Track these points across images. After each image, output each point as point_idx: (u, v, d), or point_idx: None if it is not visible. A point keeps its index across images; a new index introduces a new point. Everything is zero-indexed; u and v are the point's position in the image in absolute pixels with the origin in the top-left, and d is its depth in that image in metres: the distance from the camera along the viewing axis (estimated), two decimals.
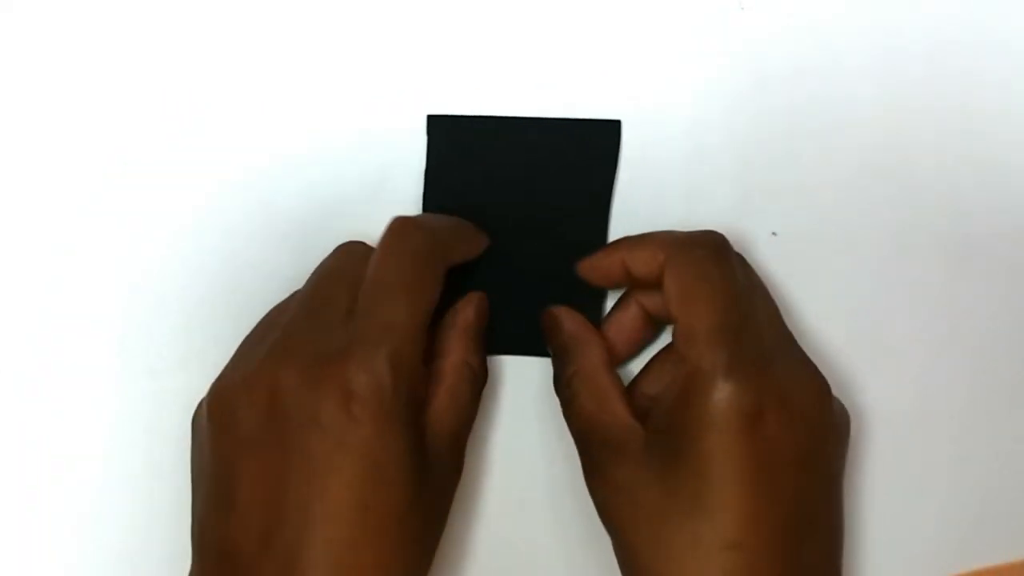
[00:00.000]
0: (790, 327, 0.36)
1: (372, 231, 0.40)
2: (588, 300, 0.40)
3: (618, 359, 0.39)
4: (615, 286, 0.39)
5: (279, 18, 0.41)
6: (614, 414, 0.35)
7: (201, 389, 0.39)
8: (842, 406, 0.36)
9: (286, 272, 0.40)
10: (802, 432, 0.32)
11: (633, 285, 0.38)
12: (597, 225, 0.40)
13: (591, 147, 0.40)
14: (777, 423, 0.32)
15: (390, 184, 0.40)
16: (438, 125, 0.40)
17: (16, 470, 0.39)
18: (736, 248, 0.36)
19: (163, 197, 0.41)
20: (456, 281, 0.38)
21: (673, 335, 0.34)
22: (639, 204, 0.40)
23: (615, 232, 0.40)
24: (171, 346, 0.40)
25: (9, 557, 0.39)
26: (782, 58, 0.41)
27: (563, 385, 0.37)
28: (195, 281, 0.40)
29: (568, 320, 0.38)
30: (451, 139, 0.40)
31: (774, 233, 0.40)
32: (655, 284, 0.35)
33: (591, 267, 0.38)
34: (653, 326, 0.39)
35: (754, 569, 0.31)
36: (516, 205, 0.40)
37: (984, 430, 0.40)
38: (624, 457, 0.34)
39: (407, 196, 0.40)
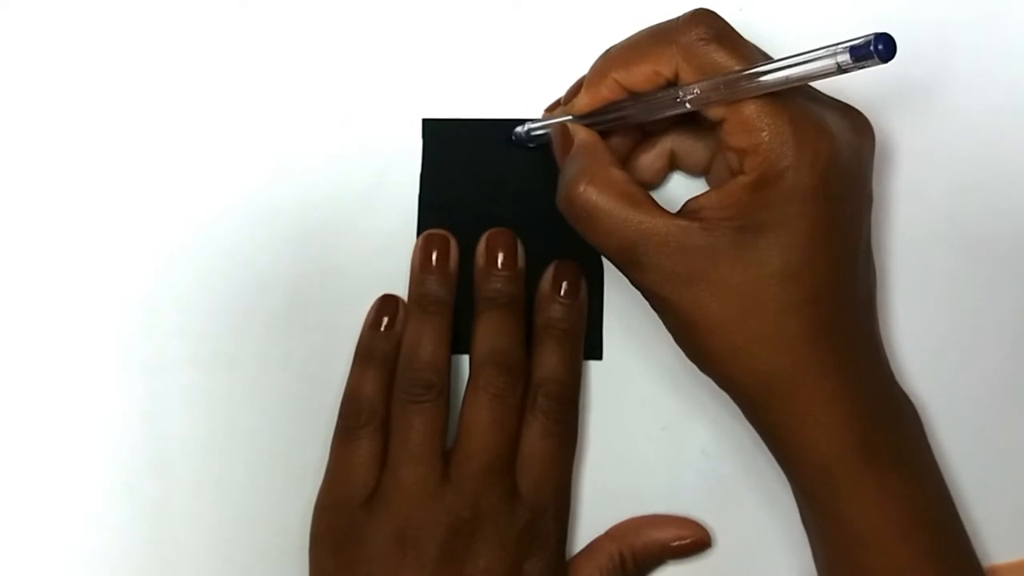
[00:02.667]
0: None
1: (369, 232, 0.40)
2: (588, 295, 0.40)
3: None
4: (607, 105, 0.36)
5: (277, 26, 0.42)
6: (657, 212, 0.33)
7: (200, 388, 0.40)
8: (864, 117, 0.35)
9: (285, 272, 0.40)
10: (859, 168, 0.34)
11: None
12: None
13: None
14: (840, 173, 0.33)
15: (387, 186, 0.41)
16: (433, 128, 0.40)
17: (16, 470, 0.40)
18: None
19: (163, 198, 0.41)
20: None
21: (724, 134, 0.33)
22: None
23: None
24: (171, 345, 0.40)
25: (9, 557, 0.40)
26: None
27: (576, 199, 0.34)
28: (195, 281, 0.41)
29: (582, 131, 0.36)
30: (446, 142, 0.40)
31: None
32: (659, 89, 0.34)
33: (580, 102, 0.36)
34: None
35: (826, 314, 0.33)
36: (510, 206, 0.40)
37: (984, 430, 0.40)
38: (690, 251, 0.33)
39: (404, 198, 0.41)
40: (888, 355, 0.36)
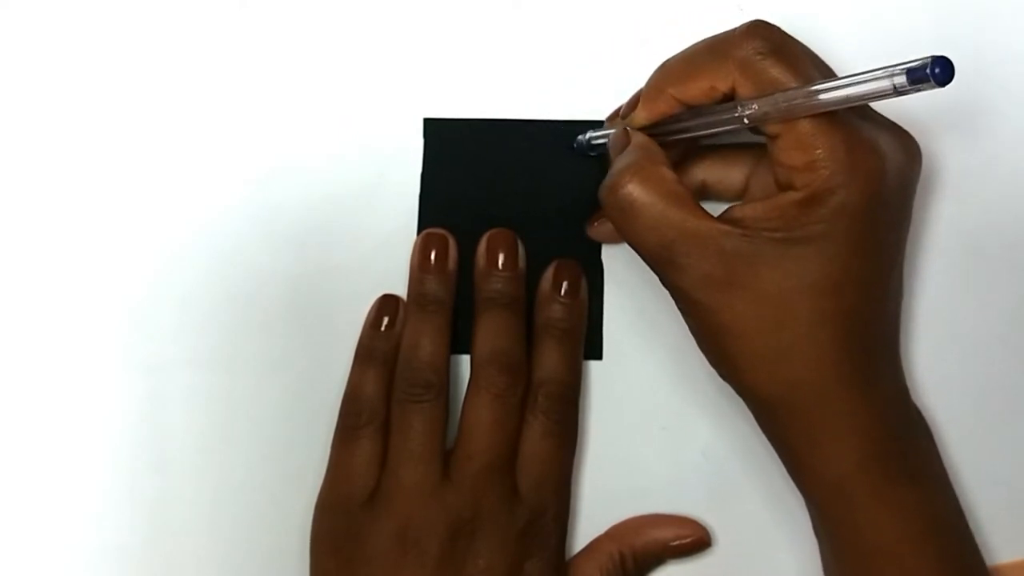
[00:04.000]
0: None
1: (369, 232, 0.40)
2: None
3: None
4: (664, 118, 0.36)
5: (277, 26, 0.42)
6: (699, 213, 0.33)
7: (200, 388, 0.40)
8: (913, 139, 0.35)
9: (285, 272, 0.40)
10: (905, 190, 0.35)
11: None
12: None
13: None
14: (888, 195, 0.33)
15: (388, 186, 0.41)
16: (434, 128, 0.40)
17: (16, 470, 0.40)
18: None
19: (162, 198, 0.41)
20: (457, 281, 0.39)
21: (778, 150, 0.33)
22: None
23: None
24: (171, 345, 0.40)
25: (9, 557, 0.39)
26: None
27: (619, 191, 0.34)
28: (195, 281, 0.41)
29: (639, 135, 0.36)
30: (447, 141, 0.40)
31: None
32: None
33: (638, 116, 0.36)
34: None
35: (856, 328, 0.33)
36: (511, 206, 0.40)
37: (984, 430, 0.40)
38: (729, 256, 0.33)
39: (404, 197, 0.41)
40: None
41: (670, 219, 0.33)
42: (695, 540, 0.39)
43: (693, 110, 0.35)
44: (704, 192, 0.39)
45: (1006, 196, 0.41)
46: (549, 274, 0.39)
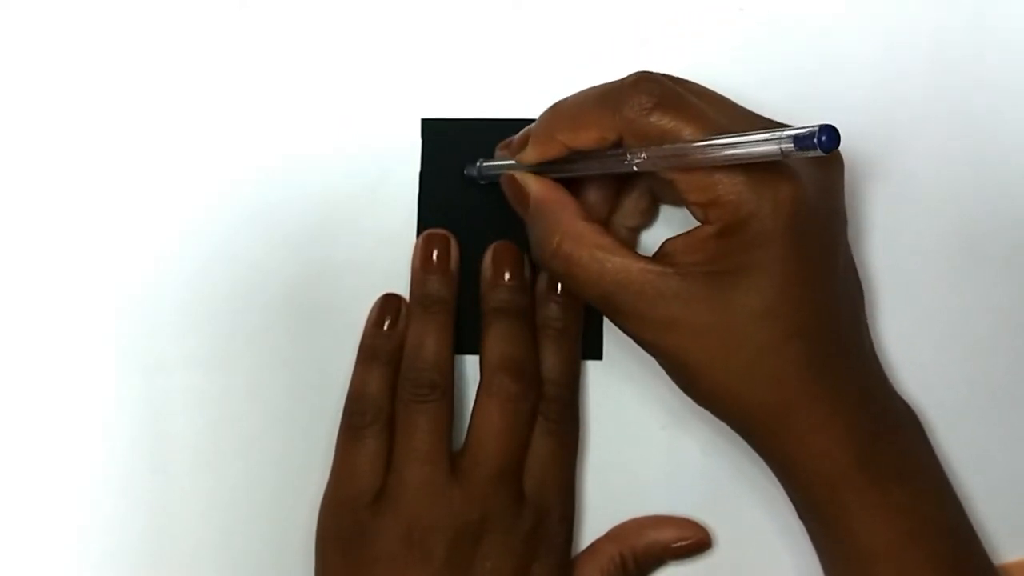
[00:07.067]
0: None
1: (369, 232, 0.40)
2: None
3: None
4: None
5: (277, 26, 0.42)
6: (631, 260, 0.34)
7: (202, 388, 0.40)
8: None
9: (285, 272, 0.40)
10: (828, 198, 0.34)
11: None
12: None
13: None
14: (807, 212, 0.33)
15: (387, 186, 0.41)
16: (432, 128, 0.40)
17: (15, 471, 0.40)
18: None
19: (163, 199, 0.41)
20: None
21: (680, 191, 0.33)
22: None
23: None
24: (170, 346, 0.40)
25: (9, 557, 0.40)
26: (782, 58, 0.41)
27: (551, 256, 0.35)
28: (194, 281, 0.41)
29: (534, 184, 0.36)
30: (445, 142, 0.40)
31: None
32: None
33: (528, 156, 0.36)
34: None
35: (811, 346, 0.33)
36: (510, 206, 0.40)
37: (984, 430, 0.40)
38: (666, 297, 0.33)
39: (403, 197, 0.41)
40: (884, 356, 0.36)
41: (603, 272, 0.34)
42: (696, 541, 0.39)
43: (583, 153, 0.35)
44: (656, 197, 0.39)
45: (997, 194, 0.41)
46: (545, 273, 0.39)
